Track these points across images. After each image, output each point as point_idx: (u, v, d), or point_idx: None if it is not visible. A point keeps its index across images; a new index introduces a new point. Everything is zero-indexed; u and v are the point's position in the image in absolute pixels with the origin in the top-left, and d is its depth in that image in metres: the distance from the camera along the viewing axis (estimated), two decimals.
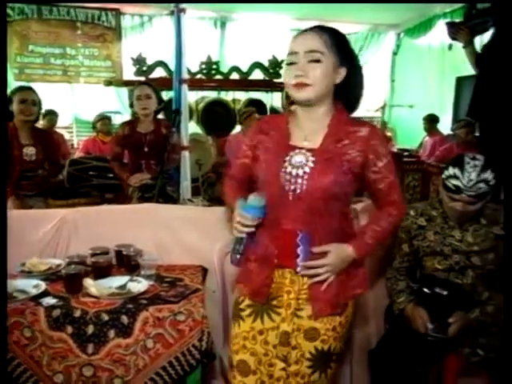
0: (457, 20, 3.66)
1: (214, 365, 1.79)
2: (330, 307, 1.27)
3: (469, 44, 2.74)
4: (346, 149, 1.23)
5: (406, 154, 4.43)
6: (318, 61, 1.17)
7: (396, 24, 6.66)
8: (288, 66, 1.22)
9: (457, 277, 1.69)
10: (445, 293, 1.66)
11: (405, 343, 1.68)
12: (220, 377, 1.81)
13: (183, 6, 3.12)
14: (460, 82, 5.32)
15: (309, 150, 1.24)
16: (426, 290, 1.71)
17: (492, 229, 1.65)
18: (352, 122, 1.27)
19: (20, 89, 2.75)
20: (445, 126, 5.32)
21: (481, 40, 2.81)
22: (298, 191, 1.21)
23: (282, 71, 4.56)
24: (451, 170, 1.58)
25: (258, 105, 4.91)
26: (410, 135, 6.32)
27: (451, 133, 4.74)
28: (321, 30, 1.21)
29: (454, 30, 2.81)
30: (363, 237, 1.28)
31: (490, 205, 1.75)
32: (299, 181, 1.21)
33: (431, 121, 5.28)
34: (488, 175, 1.54)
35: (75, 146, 5.80)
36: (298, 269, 1.26)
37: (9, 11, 5.53)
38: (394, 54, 6.97)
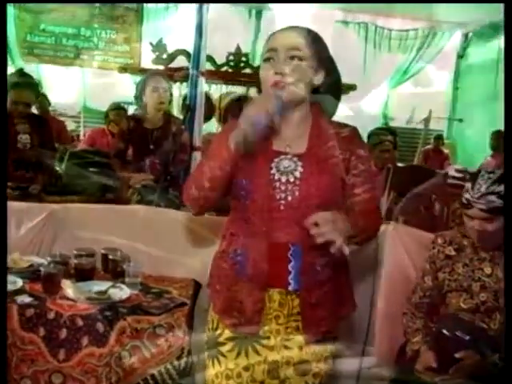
0: None
1: None
2: (324, 325, 1.34)
3: None
4: (331, 152, 1.33)
5: (458, 175, 4.37)
6: (298, 59, 1.27)
7: (463, 22, 6.64)
8: (265, 63, 1.29)
9: (483, 320, 1.73)
10: (467, 338, 1.70)
11: None
12: None
13: None
14: None
15: (295, 156, 1.33)
16: (445, 332, 1.76)
17: None
18: (332, 124, 1.38)
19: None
20: None
21: None
22: (290, 198, 1.29)
23: None
24: (466, 185, 1.69)
25: None
26: (473, 154, 6.27)
27: None
28: (302, 29, 1.32)
29: None
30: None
31: None
32: (290, 187, 1.29)
33: (500, 138, 5.19)
34: (502, 188, 1.60)
35: (81, 137, 5.94)
36: (289, 288, 1.30)
37: None
38: (460, 57, 6.96)
